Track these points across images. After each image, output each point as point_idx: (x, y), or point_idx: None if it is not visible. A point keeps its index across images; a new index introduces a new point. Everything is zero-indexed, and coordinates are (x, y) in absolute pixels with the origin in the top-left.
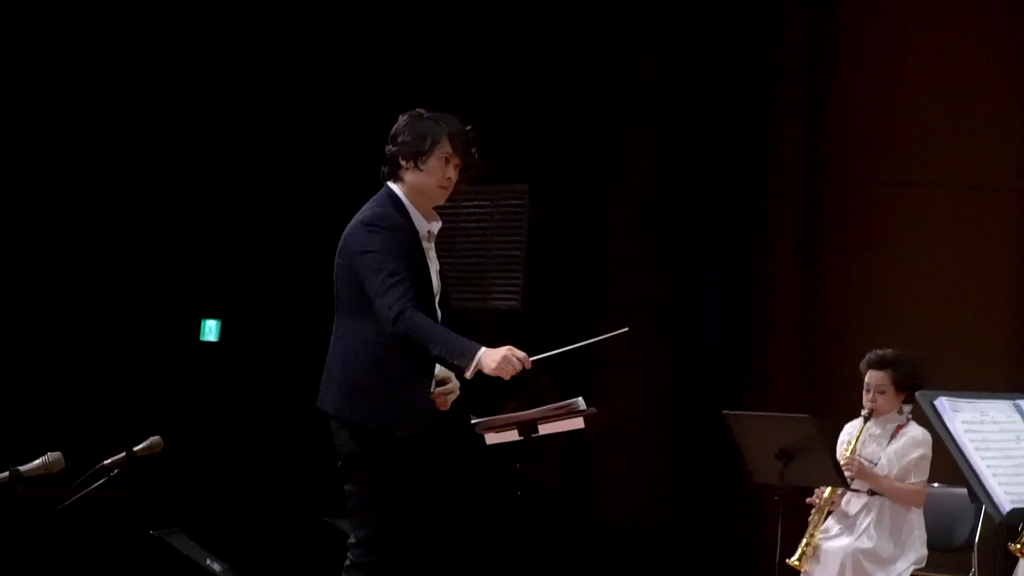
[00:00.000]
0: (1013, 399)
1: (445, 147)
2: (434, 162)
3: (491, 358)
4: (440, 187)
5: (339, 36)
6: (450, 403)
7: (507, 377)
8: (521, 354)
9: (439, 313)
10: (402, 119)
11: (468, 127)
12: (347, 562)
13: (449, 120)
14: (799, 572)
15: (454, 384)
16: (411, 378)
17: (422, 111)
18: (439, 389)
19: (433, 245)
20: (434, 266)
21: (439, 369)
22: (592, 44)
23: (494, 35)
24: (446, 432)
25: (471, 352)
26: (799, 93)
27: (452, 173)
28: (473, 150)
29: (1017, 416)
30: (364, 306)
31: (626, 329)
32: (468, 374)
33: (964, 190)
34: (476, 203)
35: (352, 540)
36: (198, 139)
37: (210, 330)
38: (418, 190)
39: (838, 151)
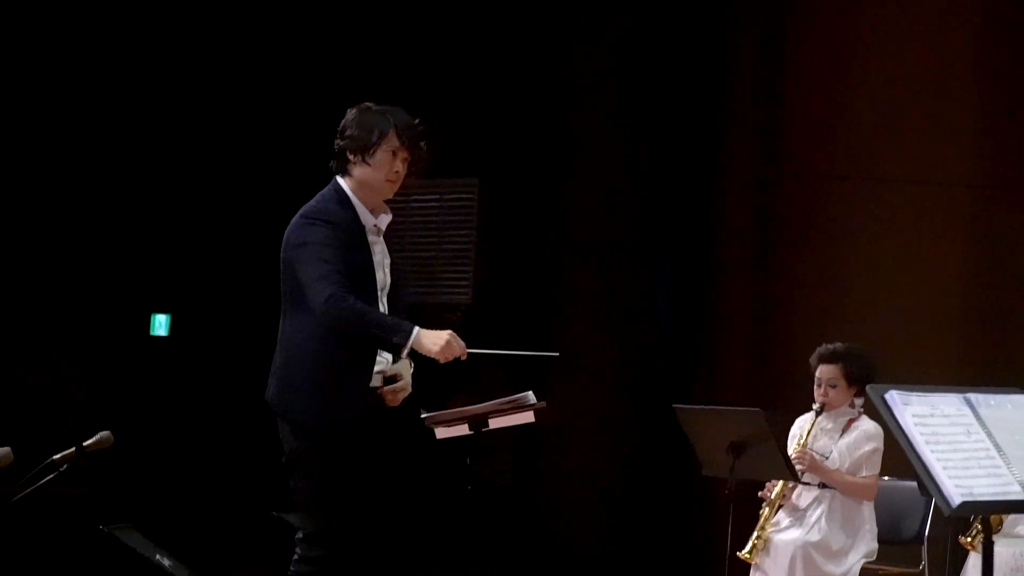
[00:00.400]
0: (963, 392)
1: (392, 141)
2: (381, 156)
3: (431, 339)
4: (387, 181)
5: (289, 30)
6: (400, 400)
7: (443, 360)
8: (462, 343)
9: (385, 307)
10: (350, 113)
11: (416, 120)
12: (295, 556)
13: (397, 113)
14: (750, 565)
15: (405, 382)
16: (351, 375)
17: (370, 104)
18: (389, 387)
19: (381, 239)
20: (382, 260)
21: (387, 364)
22: (543, 37)
23: (445, 29)
24: (394, 426)
25: (407, 330)
26: (752, 87)
27: (400, 167)
28: (422, 143)
29: (967, 409)
30: (299, 299)
31: (556, 354)
32: (404, 353)
33: (916, 184)
34: (426, 197)
35: (299, 535)
36: (147, 134)
37: (160, 325)
38: (365, 184)
39: (791, 146)
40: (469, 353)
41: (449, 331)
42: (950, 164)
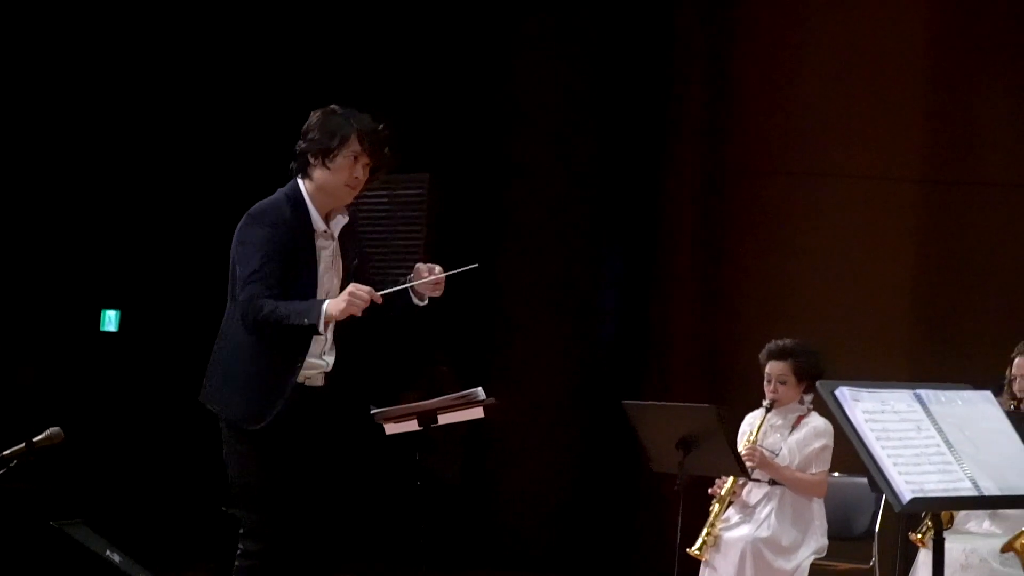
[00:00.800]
0: (914, 389)
1: (354, 146)
2: (341, 160)
3: (337, 302)
4: (347, 186)
5: (241, 30)
6: (439, 284)
7: (359, 313)
8: (365, 288)
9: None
10: (314, 115)
11: (381, 126)
12: (238, 550)
13: (360, 118)
14: (700, 562)
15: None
16: (278, 370)
17: (335, 107)
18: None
19: (335, 244)
20: (331, 265)
21: (328, 366)
22: (490, 33)
23: (394, 26)
24: (330, 421)
25: (316, 307)
26: (698, 84)
27: (360, 172)
28: (385, 149)
29: (917, 405)
30: (235, 295)
31: (476, 265)
32: (322, 329)
33: (862, 180)
34: (376, 192)
35: (241, 529)
36: (98, 130)
37: (110, 320)
38: (324, 188)
39: (736, 142)
40: (387, 293)
41: (351, 285)
42: (897, 159)
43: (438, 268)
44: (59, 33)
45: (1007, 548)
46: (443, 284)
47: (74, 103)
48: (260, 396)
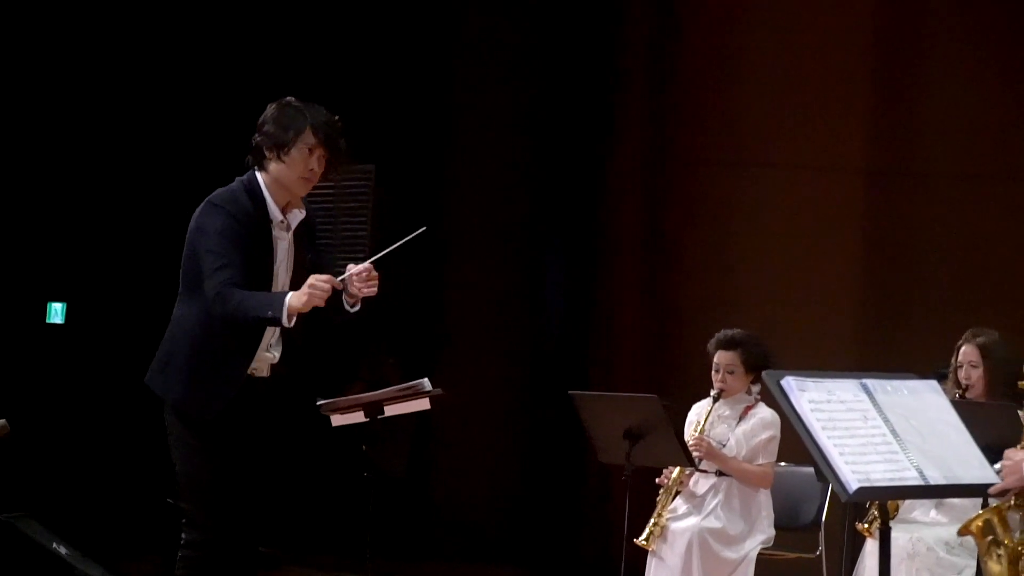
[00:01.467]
0: (860, 378)
1: (308, 138)
2: (296, 153)
3: (299, 295)
4: (302, 178)
5: (190, 22)
6: (371, 284)
7: (322, 303)
8: (324, 277)
9: None
10: (270, 108)
11: (336, 118)
12: (182, 541)
13: (316, 111)
14: (647, 552)
15: (360, 267)
16: (229, 362)
17: (291, 100)
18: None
19: (290, 236)
20: (286, 257)
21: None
22: (433, 23)
23: (339, 18)
24: (275, 414)
25: (279, 301)
26: (642, 73)
27: (316, 164)
28: (340, 141)
29: (864, 395)
30: (193, 284)
31: (423, 229)
32: (285, 322)
33: (807, 170)
34: (321, 184)
35: (183, 519)
36: (41, 122)
37: (56, 312)
38: (279, 180)
39: (680, 132)
40: (343, 279)
41: (311, 277)
42: (842, 150)
43: (368, 265)
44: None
45: (964, 531)
46: (377, 283)
47: (16, 94)
48: (212, 386)
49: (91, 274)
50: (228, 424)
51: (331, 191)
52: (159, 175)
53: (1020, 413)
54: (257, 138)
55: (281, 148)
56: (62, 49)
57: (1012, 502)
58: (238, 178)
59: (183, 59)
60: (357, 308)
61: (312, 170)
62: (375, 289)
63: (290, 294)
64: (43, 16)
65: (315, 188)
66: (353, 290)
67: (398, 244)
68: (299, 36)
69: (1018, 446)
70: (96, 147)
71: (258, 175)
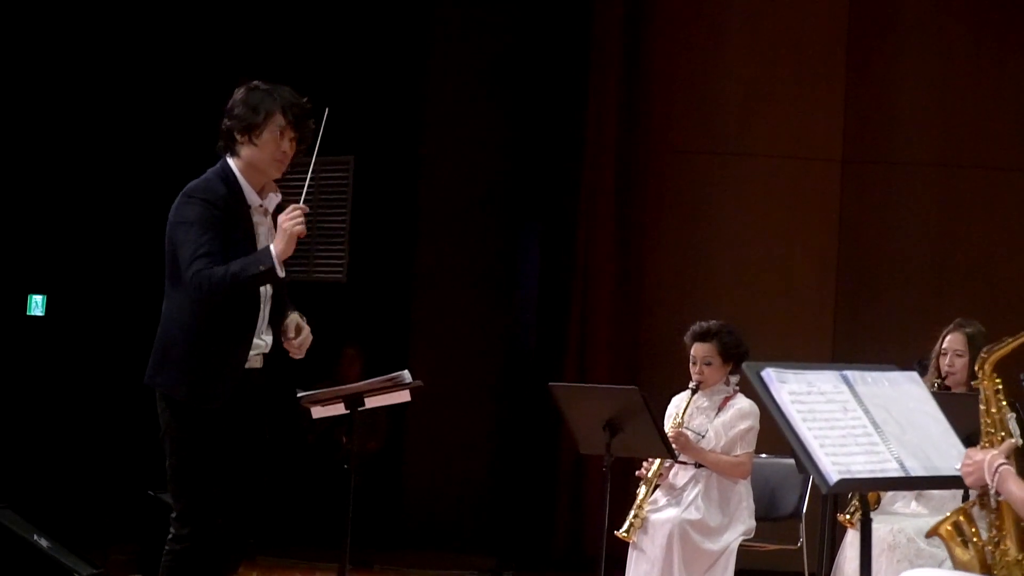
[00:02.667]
0: (840, 370)
1: (278, 120)
2: (267, 136)
3: (278, 243)
4: (275, 160)
5: (167, 12)
6: (304, 350)
7: (303, 235)
8: (293, 214)
9: (267, 287)
10: (237, 92)
11: (304, 99)
12: (169, 535)
13: (283, 92)
14: (627, 544)
15: (306, 333)
16: (224, 351)
17: (258, 83)
18: (294, 340)
19: (268, 220)
20: (267, 240)
21: (266, 347)
22: (408, 14)
23: (316, 9)
24: (266, 404)
25: (265, 254)
26: (617, 62)
27: (287, 146)
28: (309, 121)
29: (844, 387)
30: (177, 277)
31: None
32: (279, 270)
33: (785, 159)
34: (300, 175)
35: (173, 513)
36: (21, 115)
37: (36, 305)
38: (252, 164)
39: (656, 120)
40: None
41: (283, 220)
42: (817, 139)
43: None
44: None
45: (933, 533)
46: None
47: None
48: (215, 375)
49: (71, 266)
50: (226, 417)
51: (310, 183)
52: (138, 167)
53: (981, 408)
54: (227, 123)
55: (252, 131)
56: (39, 45)
57: (978, 501)
58: (211, 169)
59: (160, 52)
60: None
61: (284, 152)
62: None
63: (270, 245)
64: (20, 13)
65: (294, 180)
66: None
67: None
68: (276, 30)
69: (978, 445)
70: (75, 141)
71: (230, 161)
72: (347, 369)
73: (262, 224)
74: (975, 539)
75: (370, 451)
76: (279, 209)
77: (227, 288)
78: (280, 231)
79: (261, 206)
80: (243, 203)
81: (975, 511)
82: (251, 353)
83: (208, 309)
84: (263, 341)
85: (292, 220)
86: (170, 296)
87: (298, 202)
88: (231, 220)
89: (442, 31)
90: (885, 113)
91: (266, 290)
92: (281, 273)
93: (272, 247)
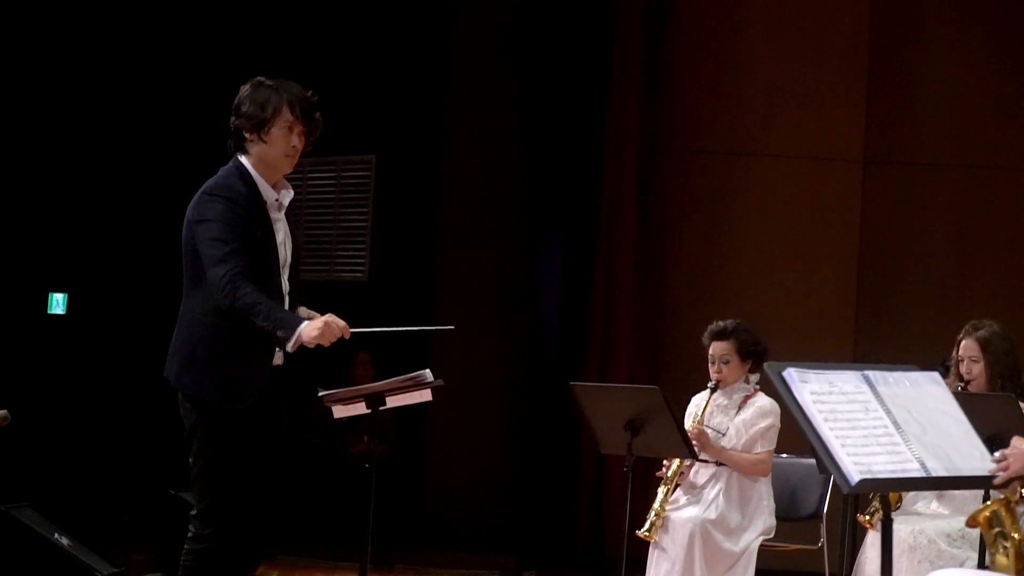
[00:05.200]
0: (861, 370)
1: (287, 115)
2: (277, 132)
3: (312, 328)
4: (286, 156)
5: (187, 11)
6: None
7: (327, 344)
8: (341, 323)
9: (286, 284)
10: (244, 89)
11: (310, 92)
12: (189, 534)
13: (289, 87)
14: (646, 543)
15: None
16: (246, 349)
17: (263, 79)
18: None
19: (283, 215)
20: (284, 238)
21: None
22: (429, 14)
23: (338, 11)
24: (287, 402)
25: (292, 326)
26: (638, 62)
27: (297, 140)
28: (316, 114)
29: (865, 387)
30: (198, 276)
31: (451, 327)
32: (290, 347)
33: (806, 160)
34: (322, 174)
35: (193, 512)
36: (42, 114)
37: (57, 303)
38: (264, 160)
39: (678, 122)
40: (360, 333)
41: (328, 315)
42: (838, 139)
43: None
44: None
45: (971, 522)
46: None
47: (18, 89)
48: (245, 373)
49: (92, 265)
50: (251, 416)
51: (332, 183)
52: (160, 166)
53: (1022, 405)
54: (236, 121)
55: (261, 127)
56: (62, 44)
57: (1021, 495)
58: (225, 168)
59: (182, 53)
60: (290, 351)
61: (294, 146)
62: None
63: (305, 323)
64: (42, 13)
65: (316, 179)
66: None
67: (412, 329)
68: (299, 30)
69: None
70: (97, 139)
71: (243, 159)
72: (359, 374)
73: (279, 220)
74: (1014, 533)
75: (380, 455)
76: (291, 205)
77: (246, 313)
78: (322, 323)
79: (277, 200)
80: (261, 200)
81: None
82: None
83: (229, 312)
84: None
85: (335, 328)
86: (191, 296)
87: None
88: (252, 217)
89: (463, 32)
90: (907, 114)
91: (286, 288)
92: (291, 350)
93: (304, 327)
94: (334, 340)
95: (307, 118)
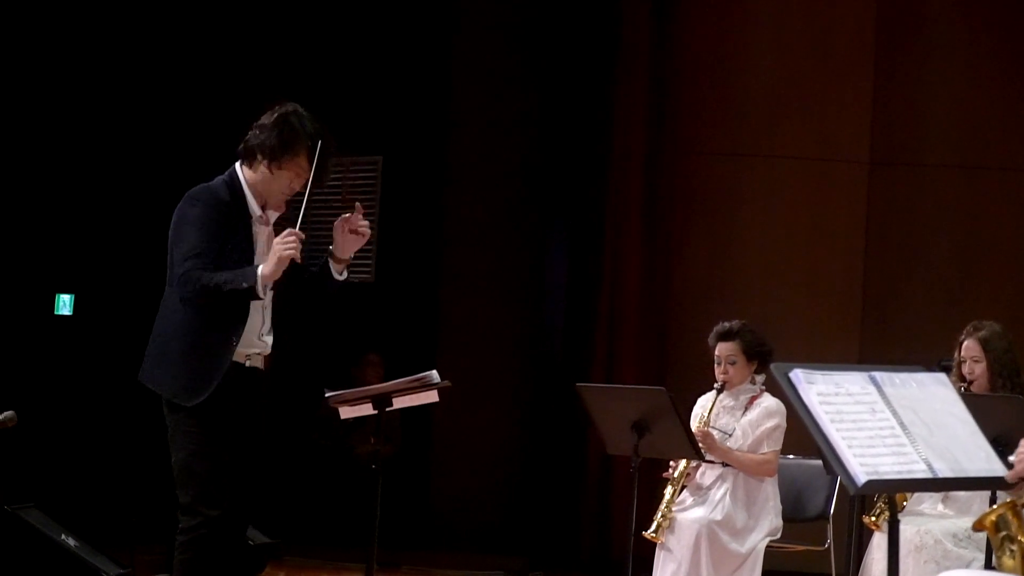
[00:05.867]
0: (868, 371)
1: (301, 162)
2: (285, 172)
3: (267, 264)
4: (282, 193)
5: (196, 20)
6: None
7: (287, 259)
8: (288, 239)
9: (268, 296)
10: (274, 115)
11: (331, 141)
12: (178, 528)
13: (313, 131)
14: (652, 544)
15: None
16: (214, 349)
17: (297, 109)
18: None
19: (269, 229)
20: (264, 249)
21: (266, 348)
22: (435, 15)
23: (343, 14)
24: (270, 404)
25: (250, 270)
26: (644, 64)
27: (297, 185)
28: (330, 163)
29: (872, 388)
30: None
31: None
32: (261, 291)
33: (811, 161)
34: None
35: (179, 509)
36: (49, 116)
37: (64, 304)
38: (261, 185)
39: (683, 123)
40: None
41: (276, 243)
42: (844, 140)
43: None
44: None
45: (978, 526)
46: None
47: (22, 90)
48: (197, 372)
49: (99, 266)
50: (221, 412)
51: (338, 183)
52: (167, 169)
53: None
54: (257, 138)
55: (273, 161)
56: (70, 46)
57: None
58: (220, 176)
59: (191, 54)
60: (343, 277)
61: (293, 189)
62: (366, 232)
63: (260, 264)
64: (47, 14)
65: (320, 192)
66: (341, 243)
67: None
68: (305, 32)
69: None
70: (104, 141)
71: (240, 170)
72: (369, 374)
73: (261, 233)
74: (1020, 536)
75: (385, 456)
76: (280, 221)
77: (210, 294)
78: (272, 253)
79: (262, 216)
80: (244, 211)
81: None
82: (252, 352)
83: (195, 307)
84: (263, 342)
85: (285, 244)
86: (167, 295)
87: (295, 226)
88: (231, 225)
89: (469, 33)
90: (912, 115)
91: (268, 300)
92: (262, 295)
93: (261, 267)
94: (291, 252)
95: (318, 170)
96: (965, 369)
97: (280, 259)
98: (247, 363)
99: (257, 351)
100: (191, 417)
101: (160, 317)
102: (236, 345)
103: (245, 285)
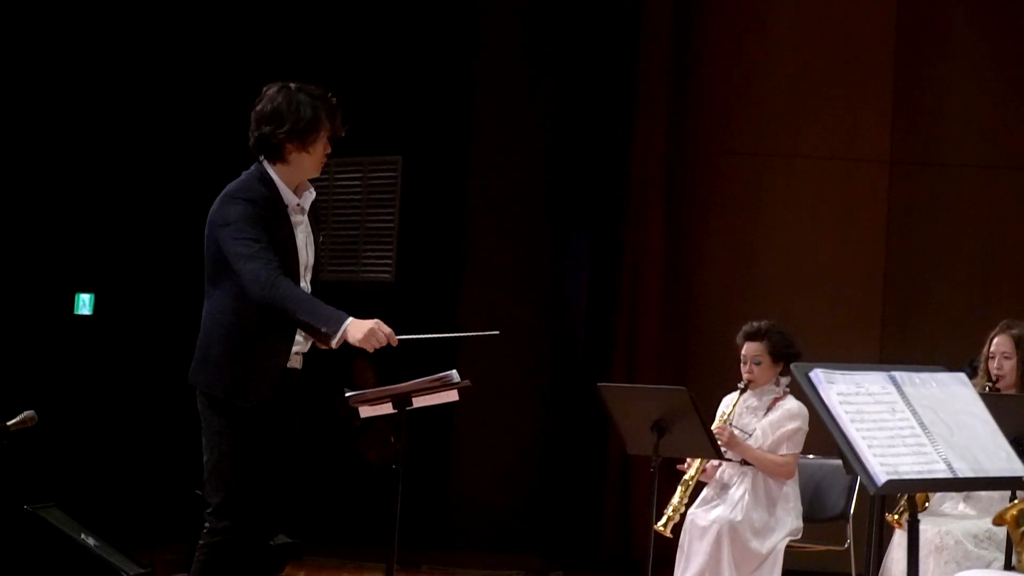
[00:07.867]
0: (888, 371)
1: (326, 126)
2: (319, 145)
3: (358, 329)
4: (320, 163)
5: (213, 16)
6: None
7: (371, 349)
8: (388, 329)
9: (307, 287)
10: (277, 96)
11: (330, 94)
12: (204, 529)
13: (321, 98)
14: (676, 543)
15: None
16: (264, 352)
17: (289, 86)
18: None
19: (306, 218)
20: (306, 239)
21: (304, 345)
22: (457, 15)
23: (364, 12)
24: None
25: (338, 320)
26: (665, 64)
27: (328, 147)
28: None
29: (892, 387)
30: (224, 276)
31: (496, 332)
32: (334, 343)
33: (833, 160)
34: (349, 175)
35: (208, 508)
36: (69, 115)
37: (84, 304)
38: (301, 168)
39: (705, 123)
40: (407, 340)
41: (375, 320)
42: (865, 140)
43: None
44: (14, 21)
45: (998, 521)
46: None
47: (41, 90)
48: (255, 373)
49: (119, 266)
50: (264, 415)
51: (359, 183)
52: (186, 168)
53: None
54: (278, 133)
55: (305, 139)
56: (87, 47)
57: None
58: (247, 172)
59: (210, 53)
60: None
61: (327, 154)
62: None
63: (351, 320)
64: (66, 13)
65: (343, 179)
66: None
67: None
68: (326, 32)
69: None
70: (124, 141)
71: (267, 165)
72: (361, 379)
73: (300, 223)
74: None
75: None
76: (312, 206)
77: (279, 305)
78: (372, 324)
79: (298, 204)
80: (282, 204)
81: None
82: (295, 351)
83: (252, 308)
84: (305, 340)
85: (382, 334)
86: (211, 296)
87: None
88: (273, 218)
89: (490, 32)
90: (933, 114)
91: (307, 291)
92: (333, 346)
93: (350, 323)
94: (379, 347)
95: (340, 128)
96: (994, 365)
97: (367, 339)
98: (288, 364)
99: (297, 350)
100: (231, 419)
101: (207, 320)
102: (291, 346)
103: (324, 330)
